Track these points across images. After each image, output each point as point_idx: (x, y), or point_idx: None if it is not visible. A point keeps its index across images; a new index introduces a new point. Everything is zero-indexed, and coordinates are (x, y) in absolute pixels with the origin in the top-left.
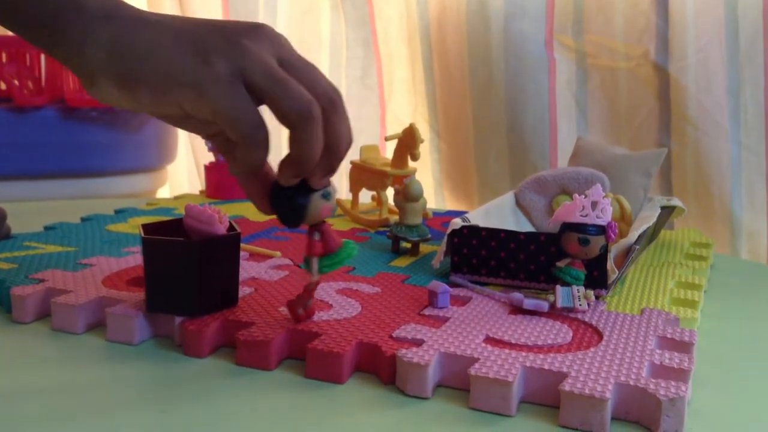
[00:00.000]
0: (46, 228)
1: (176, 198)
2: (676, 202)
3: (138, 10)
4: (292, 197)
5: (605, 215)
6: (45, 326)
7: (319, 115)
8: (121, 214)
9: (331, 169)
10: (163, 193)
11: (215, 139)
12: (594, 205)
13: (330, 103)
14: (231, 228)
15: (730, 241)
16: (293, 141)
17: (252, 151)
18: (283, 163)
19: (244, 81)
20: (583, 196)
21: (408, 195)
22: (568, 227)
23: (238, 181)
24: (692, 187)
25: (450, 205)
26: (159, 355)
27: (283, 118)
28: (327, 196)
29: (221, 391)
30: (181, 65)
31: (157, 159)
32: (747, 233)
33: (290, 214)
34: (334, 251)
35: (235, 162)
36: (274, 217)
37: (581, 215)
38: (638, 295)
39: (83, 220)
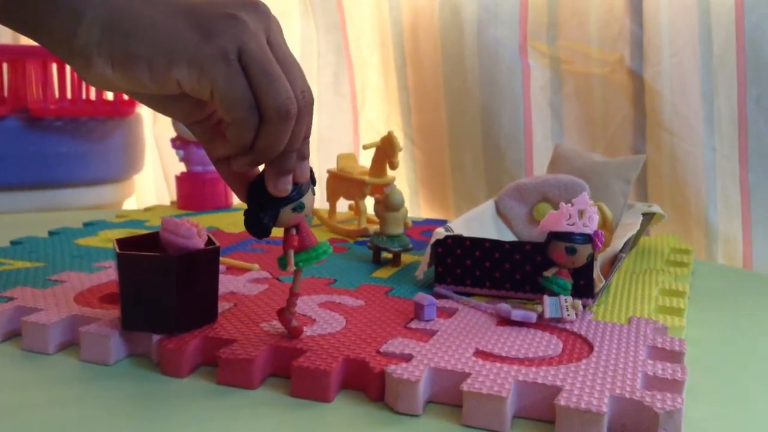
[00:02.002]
0: (13, 243)
1: (147, 209)
2: (656, 208)
3: None
4: (258, 218)
5: (592, 223)
6: (15, 347)
7: (295, 114)
8: (91, 227)
9: (285, 171)
10: (130, 204)
11: (196, 127)
12: (580, 213)
13: (303, 106)
14: (209, 241)
15: (705, 246)
16: (263, 133)
17: (245, 133)
18: (232, 145)
19: (239, 59)
20: (570, 205)
21: (389, 204)
22: (554, 236)
23: (216, 166)
24: (668, 192)
25: (426, 213)
26: (136, 376)
27: (262, 110)
28: (300, 208)
29: (202, 412)
30: (181, 40)
31: (123, 169)
32: (722, 238)
33: (255, 230)
34: (310, 248)
35: (219, 147)
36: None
37: (568, 224)
38: (624, 304)
39: (51, 233)
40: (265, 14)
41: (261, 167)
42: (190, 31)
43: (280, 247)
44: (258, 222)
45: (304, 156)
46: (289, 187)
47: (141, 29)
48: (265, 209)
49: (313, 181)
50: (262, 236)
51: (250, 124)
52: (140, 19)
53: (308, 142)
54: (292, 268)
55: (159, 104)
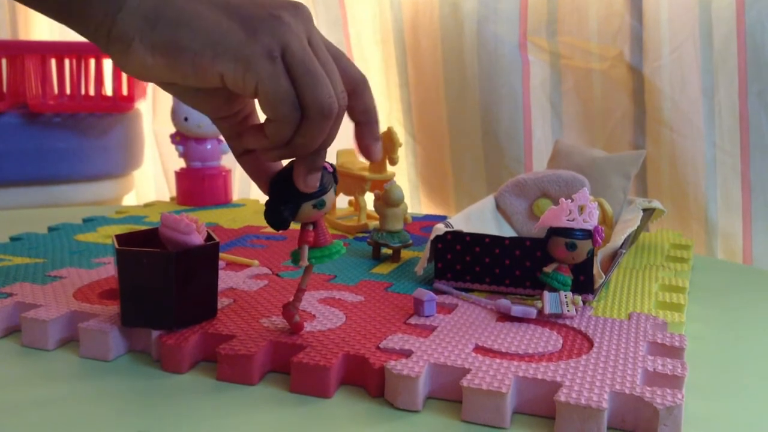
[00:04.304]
0: (12, 239)
1: (146, 205)
2: (656, 204)
3: None
4: (279, 210)
5: (592, 219)
6: (14, 342)
7: (336, 113)
8: (90, 222)
9: (316, 168)
10: (130, 200)
11: (223, 122)
12: (581, 209)
13: (342, 105)
14: (209, 237)
15: (705, 241)
16: (302, 130)
17: (286, 130)
18: (271, 140)
19: (282, 58)
20: (570, 200)
21: (389, 200)
22: (554, 232)
23: (239, 160)
24: (667, 188)
25: (426, 208)
26: (136, 372)
27: (304, 108)
28: (320, 205)
29: (202, 408)
30: (228, 36)
31: (123, 165)
32: (722, 233)
33: (275, 222)
34: (325, 246)
35: (255, 138)
36: (249, 224)
37: (568, 220)
38: (624, 300)
39: (50, 229)
40: (306, 16)
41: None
42: (236, 28)
43: (280, 243)
44: (279, 214)
45: (377, 137)
46: (317, 184)
47: (187, 21)
48: (287, 202)
49: (335, 180)
50: (281, 228)
51: (292, 122)
52: (185, 12)
53: (378, 125)
54: (304, 263)
55: (190, 97)
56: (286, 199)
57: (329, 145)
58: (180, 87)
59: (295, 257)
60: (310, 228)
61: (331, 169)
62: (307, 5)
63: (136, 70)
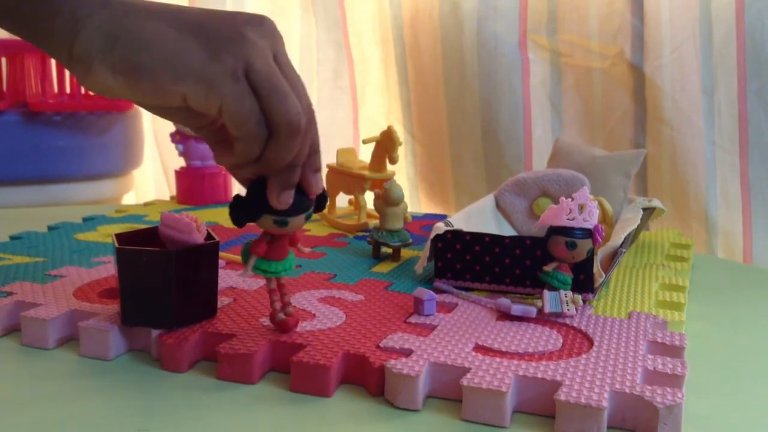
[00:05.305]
0: (12, 237)
1: (146, 204)
2: (656, 203)
3: None
4: (239, 210)
5: (592, 218)
6: (14, 341)
7: (304, 128)
8: (90, 221)
9: (290, 185)
10: (129, 199)
11: (201, 131)
12: (581, 208)
13: (309, 120)
14: (209, 236)
15: (705, 240)
16: (272, 146)
17: (253, 148)
18: (239, 157)
19: (246, 77)
20: (570, 199)
21: (389, 199)
22: (554, 231)
23: (227, 168)
24: (668, 186)
25: (426, 207)
26: (136, 371)
27: (272, 125)
28: (281, 224)
29: (202, 407)
30: (188, 57)
31: (122, 164)
32: (722, 232)
33: (232, 218)
34: (273, 260)
35: (225, 155)
36: (248, 223)
37: (568, 218)
38: (624, 299)
39: (50, 228)
40: (271, 31)
41: None
42: (197, 47)
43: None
44: (236, 214)
45: (317, 168)
46: (290, 200)
47: (147, 40)
48: (252, 206)
49: (320, 207)
50: (237, 226)
51: (259, 139)
52: (145, 30)
53: (319, 155)
54: (248, 271)
55: (158, 112)
56: (253, 202)
57: (302, 161)
58: (146, 103)
59: (244, 258)
60: (267, 239)
61: (314, 197)
62: (307, 5)
63: (98, 89)
